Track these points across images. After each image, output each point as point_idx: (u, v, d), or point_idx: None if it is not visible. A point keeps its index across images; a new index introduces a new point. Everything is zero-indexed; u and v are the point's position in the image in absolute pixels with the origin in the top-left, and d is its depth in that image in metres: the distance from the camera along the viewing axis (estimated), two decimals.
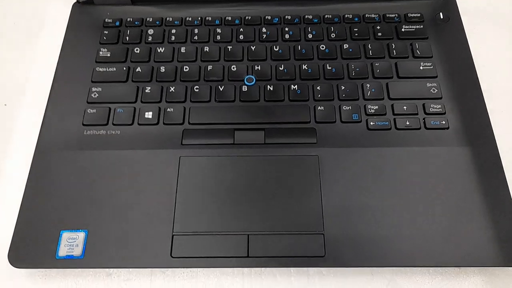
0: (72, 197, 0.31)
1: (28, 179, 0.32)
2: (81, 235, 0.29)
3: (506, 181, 0.31)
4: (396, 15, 0.39)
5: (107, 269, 0.30)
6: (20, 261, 0.29)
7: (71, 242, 0.29)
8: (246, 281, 0.29)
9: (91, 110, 0.34)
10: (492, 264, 0.28)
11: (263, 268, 0.30)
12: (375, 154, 0.32)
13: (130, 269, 0.30)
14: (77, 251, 0.29)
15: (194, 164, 0.32)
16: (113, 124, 0.34)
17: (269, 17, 0.39)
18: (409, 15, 0.38)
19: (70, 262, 0.29)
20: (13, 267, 0.29)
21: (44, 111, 0.35)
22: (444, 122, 0.33)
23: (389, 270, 0.30)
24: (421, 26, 0.38)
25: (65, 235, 0.29)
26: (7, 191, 0.33)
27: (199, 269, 0.30)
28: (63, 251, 0.29)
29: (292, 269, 0.30)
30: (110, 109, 0.34)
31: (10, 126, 0.36)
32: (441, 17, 0.39)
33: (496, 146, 0.32)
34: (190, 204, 0.30)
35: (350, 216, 0.30)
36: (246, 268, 0.30)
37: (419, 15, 0.38)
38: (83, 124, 0.34)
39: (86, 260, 0.29)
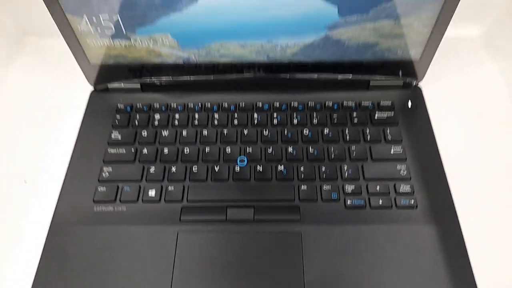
0: (82, 269, 0.35)
1: (43, 250, 0.35)
2: None
3: (468, 257, 0.34)
4: (370, 103, 0.44)
5: None
6: None
7: None
8: None
9: (102, 188, 0.39)
10: None
11: None
12: (352, 231, 0.36)
13: None
14: None
15: (190, 240, 0.36)
16: (120, 201, 0.38)
17: (260, 104, 0.45)
18: (382, 103, 0.44)
19: None
20: None
21: (60, 188, 0.39)
22: (412, 202, 0.37)
23: None
24: (392, 114, 0.43)
25: None
26: (23, 261, 0.36)
27: None
28: None
29: None
30: (118, 187, 0.39)
31: (29, 201, 0.40)
32: (409, 105, 0.44)
33: (459, 224, 0.36)
34: (185, 278, 0.34)
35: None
36: None
37: (390, 103, 0.44)
38: (94, 201, 0.38)
39: None
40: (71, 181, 0.40)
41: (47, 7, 0.37)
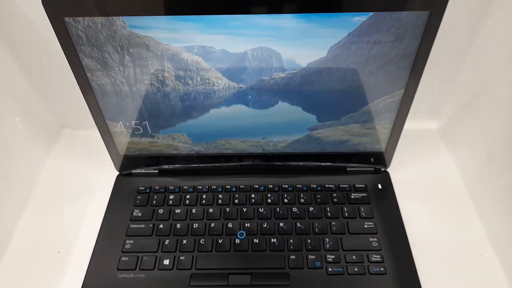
0: None
1: None
2: None
3: None
4: (348, 185, 0.54)
5: None
6: None
7: None
8: None
9: (124, 258, 0.47)
10: None
11: None
12: None
13: None
14: None
15: None
16: (140, 269, 0.46)
17: (257, 186, 0.54)
18: (357, 185, 0.54)
19: None
20: None
21: (90, 258, 0.47)
22: (382, 269, 0.45)
23: None
24: (365, 194, 0.53)
25: None
26: None
27: None
28: None
29: None
30: (138, 257, 0.47)
31: (62, 270, 0.48)
32: (380, 187, 0.54)
33: (420, 286, 0.44)
34: None
35: None
36: None
37: (364, 185, 0.54)
38: (118, 269, 0.46)
39: None
40: (99, 252, 0.48)
41: (93, 117, 0.48)
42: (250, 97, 0.47)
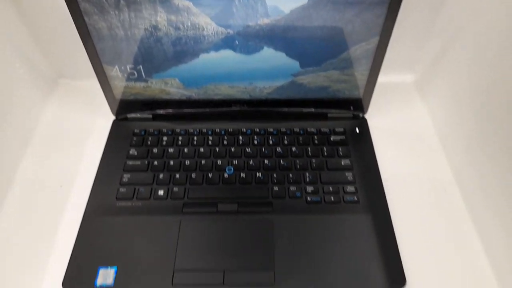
0: (107, 246, 0.46)
1: (78, 234, 0.47)
2: (112, 271, 0.44)
3: (394, 234, 0.47)
4: (328, 129, 0.59)
5: None
6: (70, 287, 0.43)
7: (105, 275, 0.44)
8: None
9: (122, 189, 0.51)
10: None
11: None
12: (311, 218, 0.49)
13: None
14: (109, 281, 0.43)
15: (190, 224, 0.48)
16: (137, 199, 0.51)
17: (244, 130, 0.59)
18: (336, 129, 0.59)
19: None
20: None
21: (90, 190, 0.52)
22: (356, 198, 0.50)
23: None
24: (344, 137, 0.58)
25: (102, 270, 0.44)
26: (63, 243, 0.48)
27: None
28: (99, 281, 0.43)
29: None
30: (135, 188, 0.52)
31: (65, 202, 0.52)
32: (357, 131, 0.59)
33: (389, 213, 0.49)
34: (186, 250, 0.46)
35: (293, 259, 0.45)
36: None
37: (343, 129, 0.59)
38: (116, 199, 0.51)
39: (115, 287, 0.43)
40: (99, 184, 0.52)
41: (90, 61, 0.52)
42: (237, 42, 0.51)
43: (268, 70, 0.54)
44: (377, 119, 0.61)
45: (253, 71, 0.54)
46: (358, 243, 0.46)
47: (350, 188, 0.52)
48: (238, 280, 0.44)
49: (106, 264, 0.44)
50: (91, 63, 0.53)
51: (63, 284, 0.43)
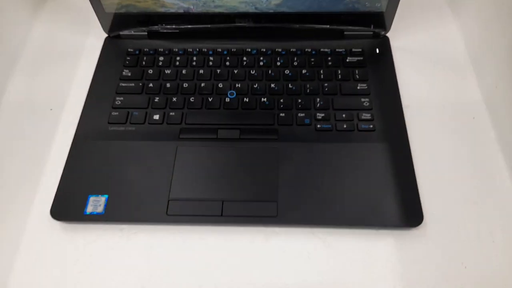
0: (98, 172, 0.43)
1: (67, 159, 0.44)
2: (103, 199, 0.41)
3: (413, 166, 0.42)
4: (344, 50, 0.52)
5: (120, 225, 0.41)
6: (58, 215, 0.41)
7: (96, 203, 0.41)
8: (221, 236, 0.41)
9: (115, 113, 0.47)
10: (400, 226, 0.39)
11: (233, 227, 0.41)
12: (320, 147, 0.44)
13: (137, 225, 0.41)
14: (100, 209, 0.41)
15: (187, 151, 0.44)
16: (130, 123, 0.46)
17: (249, 49, 0.52)
18: (353, 50, 0.51)
19: (94, 217, 0.40)
20: (53, 219, 0.40)
21: (80, 113, 0.47)
22: (371, 126, 0.45)
23: (325, 230, 0.40)
24: (362, 58, 0.51)
25: (92, 198, 0.41)
26: (51, 169, 0.45)
27: (186, 226, 0.41)
28: (89, 209, 0.41)
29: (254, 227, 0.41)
30: (128, 112, 0.47)
31: (55, 124, 0.48)
32: (377, 51, 0.52)
33: (408, 143, 0.44)
34: (183, 178, 0.42)
35: (299, 189, 0.41)
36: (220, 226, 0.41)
37: (360, 50, 0.51)
38: (108, 123, 0.47)
39: (106, 216, 0.40)
40: (90, 107, 0.48)
41: None
42: None
43: None
44: (400, 38, 0.53)
45: None
46: (371, 175, 0.42)
47: (366, 115, 0.46)
48: (238, 211, 0.40)
49: (97, 192, 0.42)
50: None
51: (51, 212, 0.41)
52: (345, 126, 0.45)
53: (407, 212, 0.40)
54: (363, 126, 0.45)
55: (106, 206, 0.41)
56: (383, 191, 0.41)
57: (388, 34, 0.53)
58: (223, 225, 0.41)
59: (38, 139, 0.47)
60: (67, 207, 0.41)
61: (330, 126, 0.45)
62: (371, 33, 0.52)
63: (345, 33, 0.52)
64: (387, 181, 0.41)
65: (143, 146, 0.45)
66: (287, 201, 0.41)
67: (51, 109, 0.50)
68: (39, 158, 0.46)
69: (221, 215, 0.40)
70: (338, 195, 0.41)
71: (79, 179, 0.43)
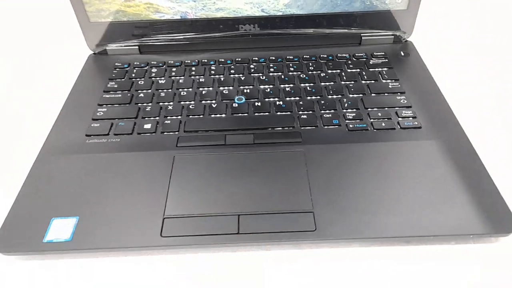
0: (67, 190, 0.32)
1: (27, 175, 0.33)
2: (71, 222, 0.30)
3: (482, 162, 0.33)
4: (364, 54, 0.45)
5: (94, 253, 0.29)
6: (5, 247, 0.28)
7: (60, 227, 0.29)
8: (237, 260, 0.29)
9: (95, 124, 0.38)
10: (485, 234, 0.28)
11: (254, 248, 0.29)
12: (356, 147, 0.34)
13: (119, 252, 0.29)
14: (65, 235, 0.29)
15: (188, 160, 0.34)
16: (114, 134, 0.37)
17: (256, 58, 0.45)
18: (375, 53, 0.45)
19: (57, 246, 0.28)
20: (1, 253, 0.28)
21: (53, 124, 0.38)
22: (416, 123, 0.36)
23: (376, 242, 0.29)
24: (386, 60, 0.44)
25: (56, 222, 0.30)
26: (9, 185, 0.33)
27: (189, 250, 0.29)
28: (50, 236, 0.29)
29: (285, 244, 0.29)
30: (112, 123, 0.38)
31: (22, 137, 0.38)
32: (402, 54, 0.45)
33: (467, 138, 0.35)
34: (182, 191, 0.31)
35: (336, 196, 0.31)
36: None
37: (383, 53, 0.45)
38: (86, 135, 0.37)
39: (74, 243, 0.28)
40: (63, 120, 0.38)
41: None
42: None
43: None
44: (423, 42, 0.48)
45: None
46: (431, 176, 0.32)
47: (406, 113, 0.38)
48: (260, 226, 0.29)
49: (64, 214, 0.30)
50: None
51: None
52: (383, 125, 0.36)
53: (492, 217, 0.29)
54: (407, 123, 0.36)
55: (75, 230, 0.29)
56: (453, 195, 0.30)
57: (410, 38, 0.47)
58: (241, 246, 0.29)
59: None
60: (19, 236, 0.29)
61: (365, 125, 0.37)
62: (392, 37, 0.47)
63: (363, 37, 0.47)
64: (455, 182, 0.31)
65: (130, 158, 0.34)
66: (327, 211, 0.30)
67: (17, 124, 0.40)
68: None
69: (238, 232, 0.29)
70: (394, 201, 0.30)
71: (40, 200, 0.31)
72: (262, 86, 0.41)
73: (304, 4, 0.44)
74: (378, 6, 0.44)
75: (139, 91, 0.41)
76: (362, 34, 0.46)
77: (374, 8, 0.44)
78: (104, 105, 0.40)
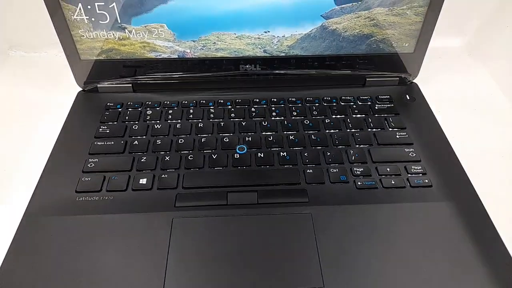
0: (56, 262, 0.29)
1: (11, 244, 0.30)
2: None
3: (496, 229, 0.31)
4: (369, 97, 0.44)
5: None
6: None
7: None
8: None
9: (86, 179, 0.35)
10: None
11: None
12: (367, 210, 0.33)
13: None
14: None
15: (187, 224, 0.31)
16: (107, 191, 0.34)
17: (257, 100, 0.43)
18: (380, 97, 0.44)
19: None
20: None
21: (39, 178, 0.35)
22: (427, 181, 0.35)
23: None
24: (392, 105, 0.43)
25: None
26: None
27: None
28: None
29: None
30: (104, 177, 0.35)
31: (5, 193, 0.35)
32: (408, 98, 0.44)
33: (479, 198, 0.33)
34: (182, 263, 0.29)
35: (348, 270, 0.29)
36: None
37: (388, 96, 0.44)
38: (76, 191, 0.34)
39: None
40: (50, 173, 0.36)
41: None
42: None
43: (290, 10, 0.39)
44: (429, 85, 0.46)
45: (270, 12, 0.39)
46: (442, 241, 0.30)
47: (416, 168, 0.36)
48: None
49: None
50: (45, 3, 0.37)
51: None
52: (393, 182, 0.35)
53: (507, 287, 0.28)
54: (417, 181, 0.35)
55: None
56: (468, 264, 0.29)
57: (415, 80, 0.46)
58: None
59: None
60: None
61: (374, 182, 0.35)
62: (397, 78, 0.45)
63: (368, 79, 0.45)
64: (469, 250, 0.30)
65: (125, 221, 0.32)
66: (338, 287, 0.28)
67: (4, 170, 0.37)
68: None
69: None
70: (408, 274, 0.29)
71: (25, 272, 0.28)
72: (264, 133, 0.39)
73: (309, 46, 0.42)
74: (384, 49, 0.43)
75: (134, 137, 0.39)
76: (366, 76, 0.45)
77: (380, 51, 0.43)
78: (96, 154, 0.37)
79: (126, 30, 0.40)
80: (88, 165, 0.36)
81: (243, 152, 0.37)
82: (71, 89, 0.44)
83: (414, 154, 0.37)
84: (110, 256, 0.30)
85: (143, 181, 0.35)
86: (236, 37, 0.41)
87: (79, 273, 0.28)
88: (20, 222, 0.32)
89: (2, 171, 0.38)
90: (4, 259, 0.29)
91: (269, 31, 0.41)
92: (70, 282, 0.28)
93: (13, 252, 0.30)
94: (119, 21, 0.39)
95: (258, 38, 0.41)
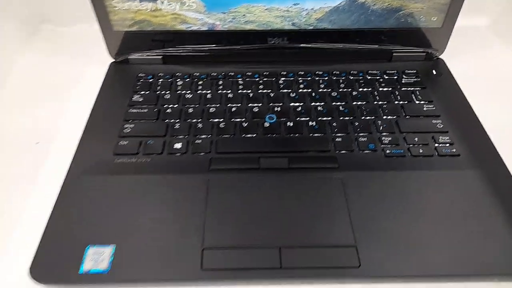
0: (101, 216, 0.31)
1: (57, 198, 0.32)
2: (108, 250, 0.28)
3: None
4: (395, 71, 0.44)
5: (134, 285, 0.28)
6: (42, 276, 0.27)
7: (97, 257, 0.28)
8: None
9: (123, 142, 0.36)
10: None
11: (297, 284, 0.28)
12: (395, 176, 0.34)
13: (160, 283, 0.28)
14: (103, 266, 0.28)
15: (224, 183, 0.33)
16: (144, 154, 0.36)
17: (285, 72, 0.44)
18: (406, 71, 0.44)
19: (94, 277, 0.27)
20: (34, 282, 0.27)
21: (77, 145, 0.36)
22: (454, 150, 0.36)
23: (420, 279, 0.28)
24: (419, 79, 0.43)
25: (91, 250, 0.28)
26: (35, 214, 0.32)
27: (231, 284, 0.28)
28: (87, 266, 0.28)
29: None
30: (141, 141, 0.36)
31: (43, 159, 0.37)
32: (434, 73, 0.44)
33: (506, 166, 0.34)
34: (220, 219, 0.30)
35: (378, 230, 0.30)
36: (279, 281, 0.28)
37: (415, 71, 0.44)
38: (114, 154, 0.35)
39: (112, 275, 0.27)
40: (89, 138, 0.37)
41: None
42: None
43: None
44: (455, 61, 0.46)
45: None
46: (471, 208, 0.31)
47: (444, 138, 0.37)
48: (304, 261, 0.28)
49: (99, 242, 0.29)
50: None
51: (31, 271, 0.28)
52: (421, 151, 0.36)
53: None
54: (445, 150, 0.36)
55: (113, 260, 0.28)
56: (498, 230, 0.30)
57: (441, 56, 0.46)
58: (283, 280, 0.28)
59: (17, 179, 0.35)
60: (54, 264, 0.28)
61: (402, 151, 0.36)
62: (424, 54, 0.46)
63: (394, 54, 0.45)
64: (499, 216, 0.31)
65: (163, 181, 0.33)
66: (370, 246, 0.29)
67: (37, 143, 0.39)
68: (19, 201, 0.33)
69: (280, 267, 0.28)
70: (437, 237, 0.30)
71: (73, 226, 0.30)
72: (292, 104, 0.40)
73: (337, 19, 0.42)
74: (412, 24, 0.43)
75: (166, 106, 0.40)
76: (393, 50, 0.45)
77: (408, 25, 0.43)
78: (131, 120, 0.38)
79: (158, 1, 0.41)
80: (124, 130, 0.37)
81: (272, 121, 0.38)
82: (102, 61, 0.45)
83: (442, 126, 0.38)
84: (150, 212, 0.31)
85: (177, 145, 0.36)
86: (266, 9, 0.42)
87: (122, 227, 0.30)
88: (64, 181, 0.33)
89: (41, 138, 0.39)
90: (52, 213, 0.31)
91: (298, 4, 0.41)
92: (113, 234, 0.29)
93: (59, 207, 0.31)
94: None
95: (287, 10, 0.42)
